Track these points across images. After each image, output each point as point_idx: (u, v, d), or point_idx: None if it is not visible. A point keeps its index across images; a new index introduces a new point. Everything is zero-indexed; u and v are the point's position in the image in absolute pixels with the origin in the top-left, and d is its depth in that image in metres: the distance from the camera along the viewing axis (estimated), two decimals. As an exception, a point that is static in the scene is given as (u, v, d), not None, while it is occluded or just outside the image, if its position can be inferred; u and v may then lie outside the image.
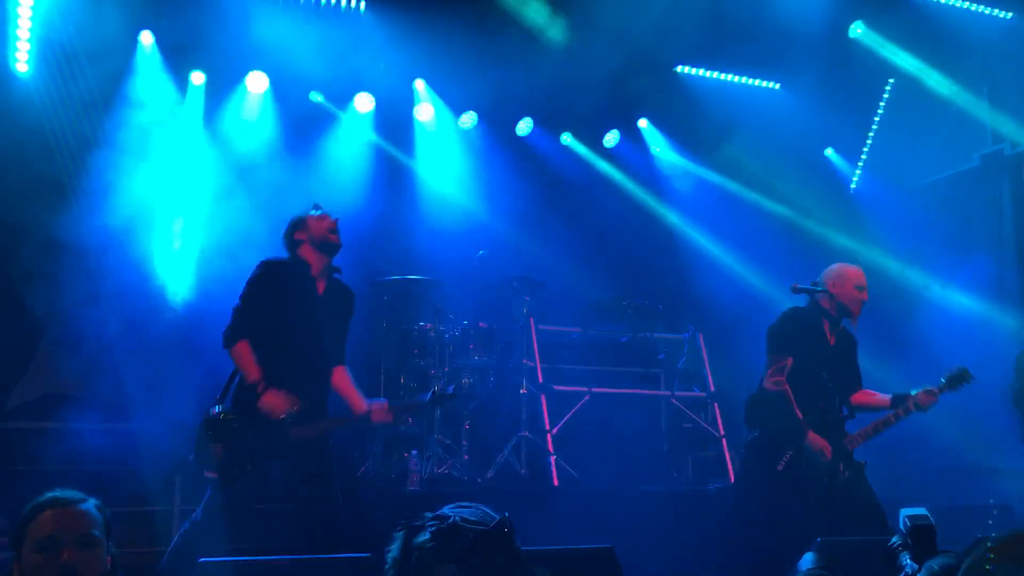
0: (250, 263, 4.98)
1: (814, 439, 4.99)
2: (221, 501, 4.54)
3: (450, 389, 5.12)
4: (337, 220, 4.90)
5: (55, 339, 7.29)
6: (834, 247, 8.52)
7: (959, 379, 5.11)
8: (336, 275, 4.98)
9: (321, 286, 4.88)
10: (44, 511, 2.47)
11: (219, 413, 4.59)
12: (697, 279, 8.60)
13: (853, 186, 9.32)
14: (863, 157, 9.26)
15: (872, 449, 6.58)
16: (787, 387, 5.05)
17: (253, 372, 4.57)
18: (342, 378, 4.92)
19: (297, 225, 4.88)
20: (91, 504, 2.54)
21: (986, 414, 7.32)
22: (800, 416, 5.02)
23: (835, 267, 5.31)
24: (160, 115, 7.29)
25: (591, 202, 8.86)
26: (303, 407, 4.62)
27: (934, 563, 2.87)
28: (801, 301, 5.29)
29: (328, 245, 4.85)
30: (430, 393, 5.14)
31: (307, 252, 4.84)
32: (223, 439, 4.56)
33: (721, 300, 7.04)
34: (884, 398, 5.22)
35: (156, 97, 7.30)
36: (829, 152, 9.41)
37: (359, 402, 4.85)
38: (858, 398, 5.31)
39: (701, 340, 7.97)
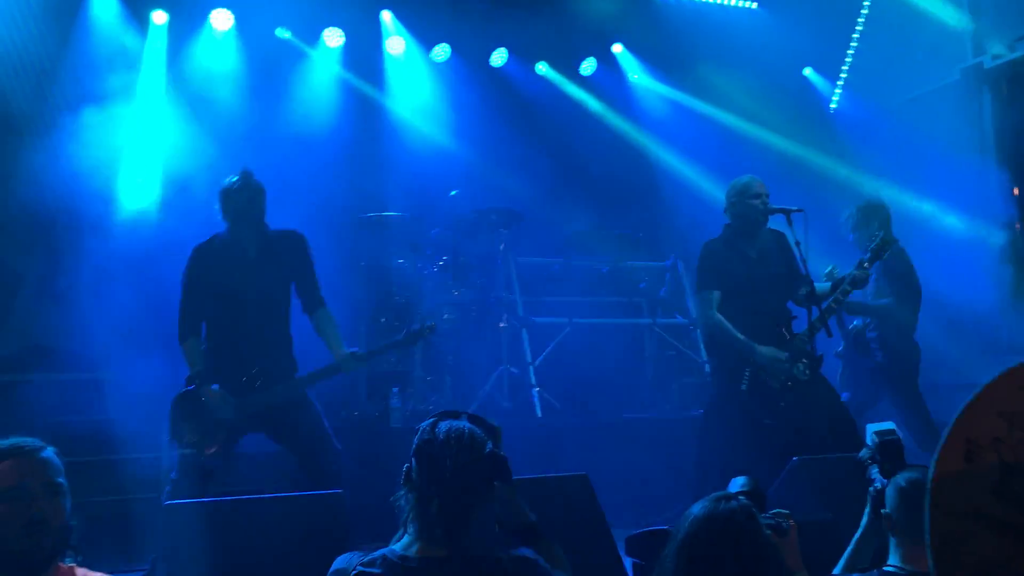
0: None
1: (765, 350, 5.12)
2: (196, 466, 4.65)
3: (426, 323, 5.11)
4: (245, 178, 4.86)
5: (33, 291, 7.22)
6: (814, 168, 8.44)
7: (882, 248, 5.15)
8: (274, 229, 4.98)
9: (253, 250, 4.90)
10: (5, 460, 2.40)
11: (186, 392, 4.81)
12: (677, 206, 8.52)
13: (833, 106, 9.20)
14: (842, 76, 9.12)
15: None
16: (717, 318, 5.24)
17: (192, 369, 4.83)
18: (321, 323, 5.02)
19: (219, 200, 4.90)
20: (51, 451, 2.49)
21: (975, 329, 7.32)
22: (741, 336, 5.14)
23: (732, 184, 5.44)
24: (121, 57, 7.10)
25: (569, 132, 8.72)
26: (259, 375, 4.77)
27: (900, 478, 2.86)
28: (780, 221, 5.27)
29: (246, 213, 4.85)
30: (404, 331, 5.12)
31: (234, 224, 4.90)
32: (192, 417, 4.75)
33: (702, 226, 6.93)
34: (824, 286, 5.29)
35: (115, 38, 7.10)
36: (808, 72, 9.27)
37: (335, 350, 4.93)
38: (799, 294, 5.31)
39: (682, 267, 7.93)
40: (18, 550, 2.34)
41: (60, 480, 2.42)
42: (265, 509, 3.15)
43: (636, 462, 6.39)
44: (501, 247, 7.30)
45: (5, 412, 6.57)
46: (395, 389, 6.45)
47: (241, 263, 4.88)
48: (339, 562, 2.52)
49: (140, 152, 7.15)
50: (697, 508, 2.43)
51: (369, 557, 2.38)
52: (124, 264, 6.74)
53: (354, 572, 2.34)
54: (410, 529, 2.39)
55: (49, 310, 7.08)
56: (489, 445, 2.44)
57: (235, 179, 4.87)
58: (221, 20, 7.63)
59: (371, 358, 5.20)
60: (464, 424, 2.45)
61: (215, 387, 4.74)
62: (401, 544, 2.39)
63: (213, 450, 4.69)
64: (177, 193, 6.89)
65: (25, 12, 6.70)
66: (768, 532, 2.57)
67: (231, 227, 4.92)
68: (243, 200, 4.83)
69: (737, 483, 3.00)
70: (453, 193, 7.31)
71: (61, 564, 2.42)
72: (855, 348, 6.09)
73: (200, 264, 4.91)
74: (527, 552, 2.46)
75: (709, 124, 8.80)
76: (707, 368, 7.41)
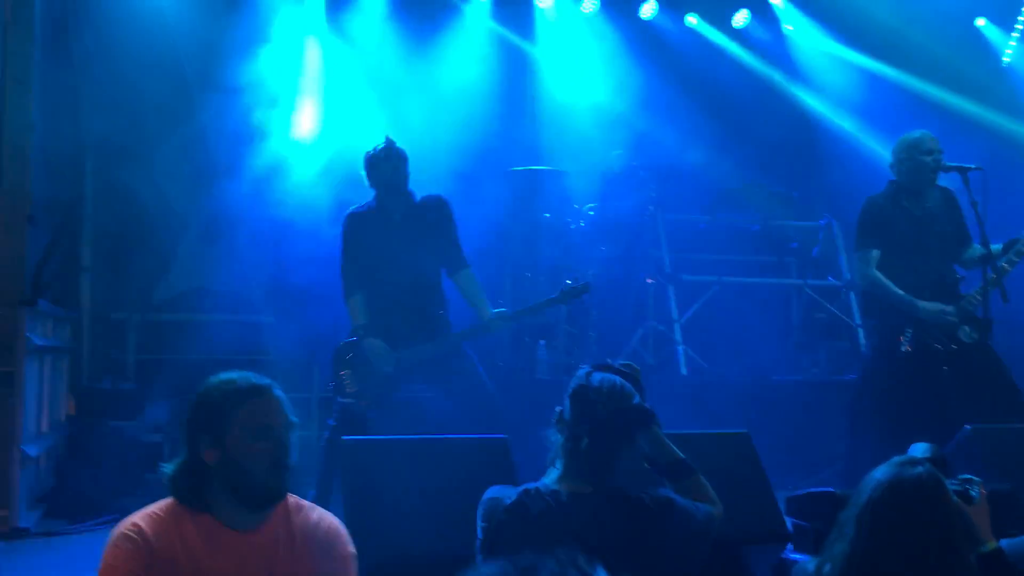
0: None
1: (929, 307, 4.91)
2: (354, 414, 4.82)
3: (580, 282, 5.14)
4: (388, 147, 5.00)
5: (197, 235, 7.60)
6: (985, 125, 7.96)
7: None
8: (416, 194, 5.11)
9: (398, 215, 5.05)
10: (255, 397, 2.37)
11: (349, 342, 5.00)
12: (832, 164, 8.21)
13: (1006, 60, 8.63)
14: (1018, 27, 8.53)
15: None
16: (875, 275, 5.04)
17: (355, 322, 5.03)
18: (465, 284, 5.17)
19: (365, 167, 5.07)
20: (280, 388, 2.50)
21: None
22: (902, 292, 4.93)
23: (902, 139, 5.17)
24: (280, 11, 7.30)
25: (720, 86, 8.49)
26: (416, 332, 4.94)
27: None
28: (955, 180, 5.02)
29: (391, 181, 4.99)
30: (558, 290, 5.16)
31: (380, 191, 5.07)
32: (354, 367, 4.93)
33: (858, 185, 6.66)
34: (998, 248, 4.97)
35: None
36: (980, 23, 8.72)
37: (482, 310, 5.07)
38: (969, 255, 5.14)
39: (837, 228, 7.66)
40: (263, 486, 2.36)
41: (294, 418, 2.43)
42: (436, 450, 3.26)
43: (783, 424, 6.29)
44: (651, 204, 7.21)
45: (172, 350, 7.00)
46: (541, 342, 6.52)
47: (388, 229, 5.06)
48: (491, 492, 2.68)
49: (299, 105, 7.37)
50: (880, 473, 2.38)
51: (522, 488, 2.61)
52: (285, 215, 6.99)
53: (509, 501, 2.56)
54: (558, 466, 2.64)
55: (211, 255, 7.43)
56: (637, 397, 2.68)
57: (379, 147, 5.04)
58: (374, -25, 7.74)
59: (520, 318, 5.30)
60: (616, 377, 2.69)
61: (378, 341, 4.89)
62: (550, 479, 2.63)
63: (371, 400, 4.86)
64: (335, 144, 7.09)
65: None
66: (956, 500, 2.49)
67: (378, 194, 5.10)
68: (388, 169, 5.00)
69: (919, 449, 2.91)
70: (617, 153, 7.26)
71: None
72: None
73: (353, 229, 5.13)
74: (668, 492, 2.67)
75: (871, 78, 8.39)
76: (860, 332, 7.20)
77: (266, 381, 2.42)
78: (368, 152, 5.07)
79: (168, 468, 2.41)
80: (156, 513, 2.36)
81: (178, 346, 6.95)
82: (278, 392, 2.41)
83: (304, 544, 2.40)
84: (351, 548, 2.45)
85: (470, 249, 5.38)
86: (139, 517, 2.36)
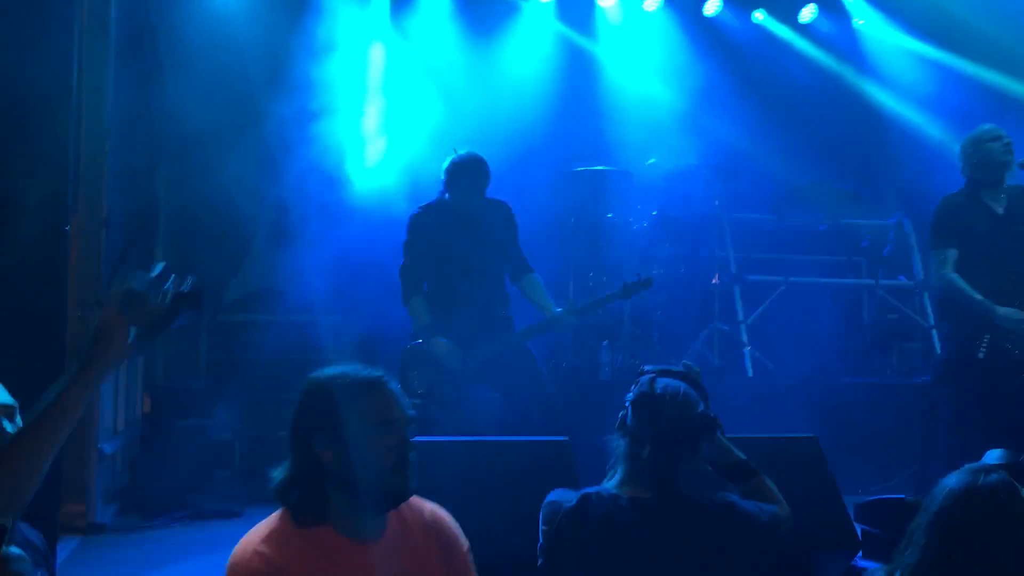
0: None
1: (1007, 313, 4.75)
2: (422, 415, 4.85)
3: (642, 277, 5.13)
4: (478, 164, 5.02)
5: (266, 236, 7.75)
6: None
7: None
8: (488, 196, 5.14)
9: (466, 215, 5.07)
10: (373, 390, 2.21)
11: (415, 344, 5.03)
12: (904, 160, 8.01)
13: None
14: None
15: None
16: (952, 277, 4.88)
17: (419, 324, 5.04)
18: (529, 288, 5.20)
19: (448, 172, 5.08)
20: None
21: None
22: (979, 297, 4.77)
23: (965, 138, 5.04)
24: (346, 15, 7.39)
25: (787, 83, 8.35)
26: (480, 330, 4.95)
27: None
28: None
29: (465, 187, 5.01)
30: (620, 284, 5.15)
31: (455, 198, 5.08)
32: (421, 368, 4.97)
33: (931, 182, 6.50)
34: None
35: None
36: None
37: (547, 310, 5.09)
38: None
39: (908, 225, 7.48)
40: (389, 486, 2.19)
41: (412, 412, 2.28)
42: (498, 451, 3.27)
43: (853, 428, 6.17)
44: (716, 203, 7.13)
45: (242, 349, 7.15)
46: (604, 343, 6.49)
47: (456, 224, 5.08)
48: (553, 495, 2.67)
49: (363, 106, 7.47)
50: (952, 481, 2.31)
51: (583, 492, 2.60)
52: (341, 208, 7.08)
53: (569, 505, 2.56)
54: (620, 470, 2.63)
55: (280, 256, 7.56)
56: (701, 404, 2.65)
57: (468, 159, 5.06)
58: (436, -25, 7.80)
59: (584, 313, 5.29)
60: (680, 383, 2.66)
61: (444, 339, 4.93)
62: (612, 484, 2.63)
63: (440, 401, 4.90)
64: (399, 146, 7.16)
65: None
66: (1033, 509, 2.41)
67: (452, 196, 5.09)
68: (472, 184, 5.03)
69: (993, 455, 2.83)
70: (651, 161, 7.21)
71: None
72: None
73: (420, 227, 5.14)
74: (730, 496, 2.65)
75: (944, 73, 8.16)
76: (934, 334, 7.01)
77: (379, 372, 2.25)
78: (455, 159, 5.08)
79: (278, 474, 2.20)
80: (276, 534, 2.15)
81: (248, 346, 7.10)
82: (394, 384, 2.26)
83: (426, 544, 2.28)
84: (466, 540, 2.37)
85: (532, 249, 5.39)
86: (260, 543, 2.12)
